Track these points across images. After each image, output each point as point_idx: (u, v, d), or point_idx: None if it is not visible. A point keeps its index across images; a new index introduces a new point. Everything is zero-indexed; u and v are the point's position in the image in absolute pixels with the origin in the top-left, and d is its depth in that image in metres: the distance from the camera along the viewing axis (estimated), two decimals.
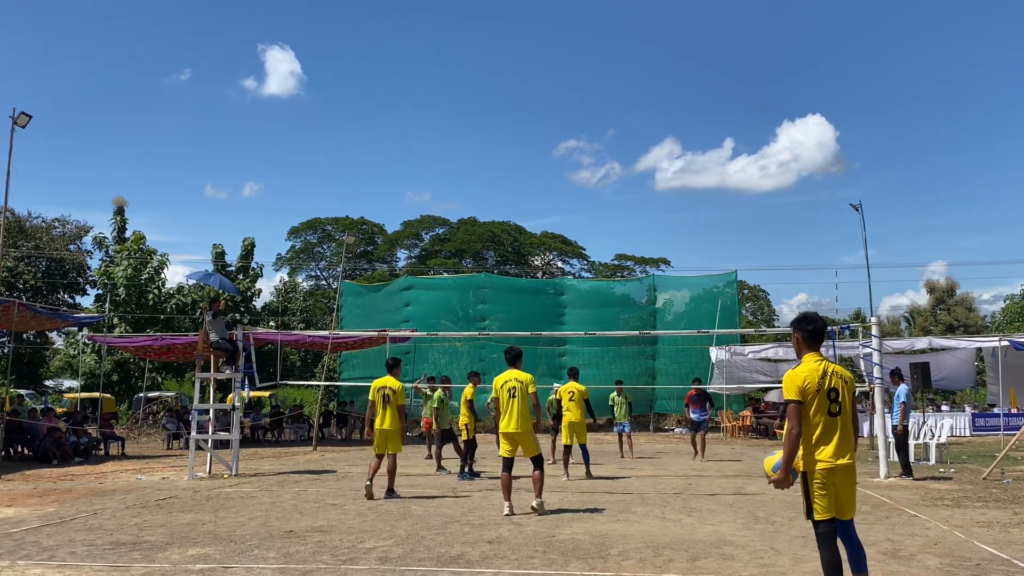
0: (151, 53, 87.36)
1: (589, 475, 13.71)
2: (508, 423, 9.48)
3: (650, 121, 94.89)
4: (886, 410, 14.14)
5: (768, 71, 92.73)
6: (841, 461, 5.05)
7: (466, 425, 14.05)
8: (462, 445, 14.24)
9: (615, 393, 18.27)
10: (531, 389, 9.51)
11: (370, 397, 11.43)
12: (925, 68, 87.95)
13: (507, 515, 9.28)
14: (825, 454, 5.05)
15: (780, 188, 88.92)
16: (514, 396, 9.47)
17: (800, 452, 5.11)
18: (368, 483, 11.02)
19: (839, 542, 5.13)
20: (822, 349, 5.41)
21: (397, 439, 11.22)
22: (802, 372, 5.14)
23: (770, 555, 7.14)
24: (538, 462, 9.61)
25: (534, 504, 9.53)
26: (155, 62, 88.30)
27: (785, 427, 5.16)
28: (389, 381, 11.33)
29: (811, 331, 5.32)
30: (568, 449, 13.86)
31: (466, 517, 9.37)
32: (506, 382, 9.58)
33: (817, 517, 5.08)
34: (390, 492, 11.20)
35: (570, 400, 13.94)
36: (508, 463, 9.61)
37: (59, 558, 7.16)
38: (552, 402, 16.80)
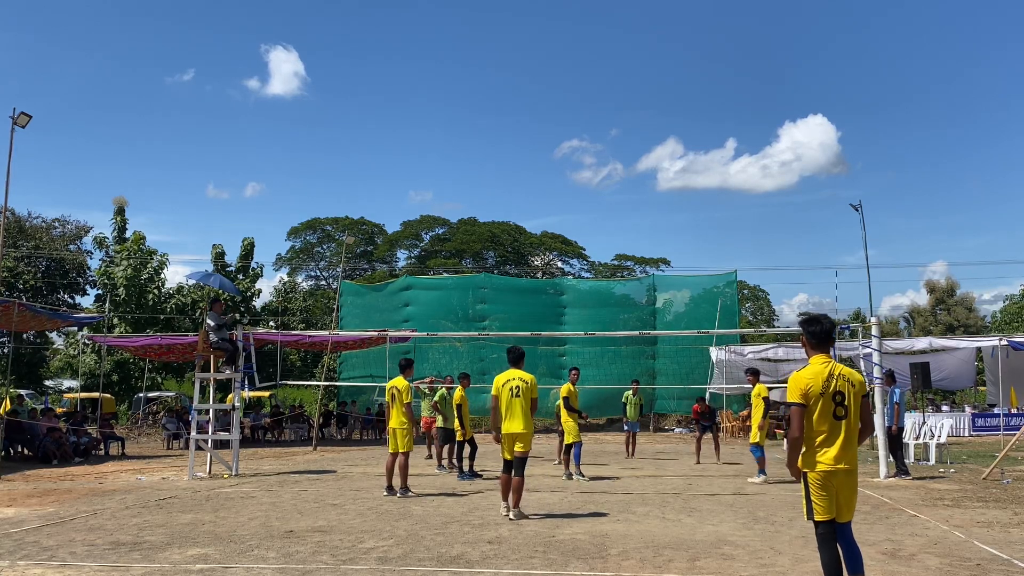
0: (154, 53, 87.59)
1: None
2: (511, 423, 9.23)
3: (653, 121, 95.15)
4: (886, 410, 14.18)
5: (770, 71, 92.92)
6: (841, 465, 5.00)
7: (462, 426, 14.10)
8: (462, 446, 14.27)
9: (630, 392, 18.27)
10: (534, 394, 9.33)
11: (386, 399, 11.80)
12: (926, 68, 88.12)
13: (506, 515, 9.26)
14: (827, 457, 5.01)
15: (782, 188, 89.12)
16: (517, 396, 9.25)
17: (802, 452, 5.09)
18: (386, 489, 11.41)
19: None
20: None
21: (401, 437, 11.34)
22: (806, 374, 5.10)
23: (770, 555, 7.14)
24: (521, 466, 9.23)
25: (511, 516, 9.15)
26: (158, 62, 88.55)
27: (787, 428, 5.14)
28: (396, 381, 11.57)
29: (813, 332, 5.27)
30: (570, 448, 13.87)
31: (466, 517, 9.36)
32: (508, 381, 9.34)
33: (817, 518, 5.07)
34: (390, 488, 11.36)
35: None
36: (509, 465, 9.40)
37: (59, 558, 7.15)
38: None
